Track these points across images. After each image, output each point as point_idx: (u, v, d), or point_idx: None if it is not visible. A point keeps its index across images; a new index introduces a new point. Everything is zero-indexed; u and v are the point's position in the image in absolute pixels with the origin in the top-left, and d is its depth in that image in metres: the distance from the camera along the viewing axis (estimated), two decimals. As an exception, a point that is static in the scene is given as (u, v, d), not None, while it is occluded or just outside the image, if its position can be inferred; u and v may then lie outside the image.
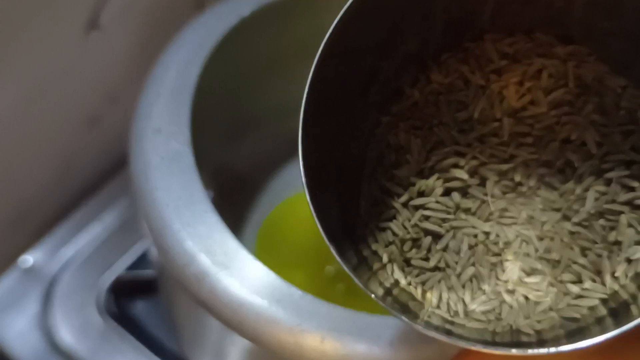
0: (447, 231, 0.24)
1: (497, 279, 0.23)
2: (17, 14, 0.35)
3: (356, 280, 0.21)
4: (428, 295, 0.23)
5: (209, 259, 0.27)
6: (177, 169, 0.29)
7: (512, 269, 0.23)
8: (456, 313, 0.22)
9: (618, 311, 0.21)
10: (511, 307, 0.22)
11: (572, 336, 0.21)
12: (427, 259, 0.23)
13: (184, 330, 0.37)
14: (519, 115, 0.24)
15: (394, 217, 0.24)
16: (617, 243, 0.22)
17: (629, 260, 0.22)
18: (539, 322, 0.22)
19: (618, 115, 0.23)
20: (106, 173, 0.48)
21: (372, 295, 0.21)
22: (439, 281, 0.23)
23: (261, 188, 0.44)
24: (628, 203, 0.23)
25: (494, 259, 0.23)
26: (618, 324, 0.20)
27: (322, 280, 0.41)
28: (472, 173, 0.24)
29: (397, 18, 0.24)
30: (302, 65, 0.42)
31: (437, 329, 0.21)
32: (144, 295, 0.43)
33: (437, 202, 0.24)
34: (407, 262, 0.24)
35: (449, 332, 0.21)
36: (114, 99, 0.46)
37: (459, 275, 0.23)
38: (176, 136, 0.30)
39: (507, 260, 0.23)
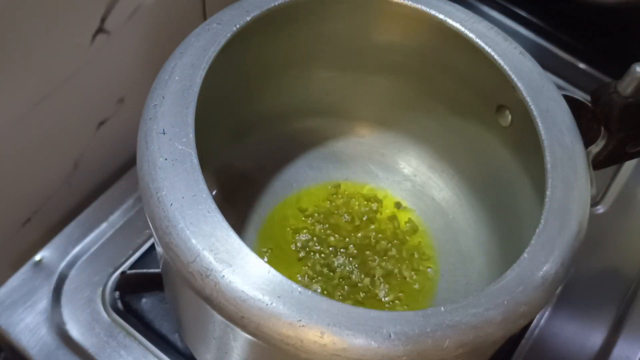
0: None
1: None
2: (29, 20, 0.35)
3: None
4: None
5: (213, 257, 0.27)
6: (181, 170, 0.29)
7: None
8: None
9: None
10: None
11: None
12: None
13: (187, 326, 0.37)
14: None
15: None
16: None
17: None
18: None
19: None
20: (113, 173, 0.49)
21: None
22: None
23: (262, 188, 0.45)
24: None
25: None
26: None
27: (321, 276, 0.42)
28: None
29: None
30: (301, 69, 0.43)
31: None
32: (149, 291, 0.44)
33: None
34: None
35: None
36: (121, 101, 0.46)
37: None
38: (180, 138, 0.30)
39: None
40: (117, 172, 0.49)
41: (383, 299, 0.41)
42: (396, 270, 0.42)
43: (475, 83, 0.39)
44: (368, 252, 0.43)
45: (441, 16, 0.37)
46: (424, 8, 0.37)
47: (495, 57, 0.36)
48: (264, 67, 0.41)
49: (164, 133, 0.30)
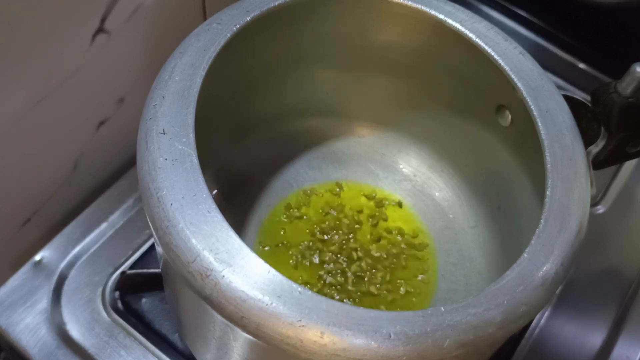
0: None
1: None
2: (29, 20, 0.35)
3: None
4: None
5: (213, 257, 0.27)
6: (181, 170, 0.29)
7: None
8: None
9: None
10: None
11: None
12: None
13: (187, 326, 0.37)
14: None
15: None
16: None
17: None
18: None
19: None
20: (113, 173, 0.49)
21: None
22: None
23: (262, 188, 0.45)
24: None
25: None
26: None
27: (321, 277, 0.42)
28: None
29: None
30: (301, 69, 0.43)
31: None
32: (149, 291, 0.44)
33: None
34: None
35: None
36: (121, 101, 0.46)
37: None
38: (180, 138, 0.30)
39: None
40: (117, 172, 0.49)
41: (382, 300, 0.41)
42: (396, 271, 0.42)
43: (475, 83, 0.39)
44: (367, 253, 0.43)
45: (441, 16, 0.37)
46: (424, 8, 0.37)
47: (495, 57, 0.36)
48: (264, 67, 0.41)
49: (164, 133, 0.30)
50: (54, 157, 0.44)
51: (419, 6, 0.37)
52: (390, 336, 0.26)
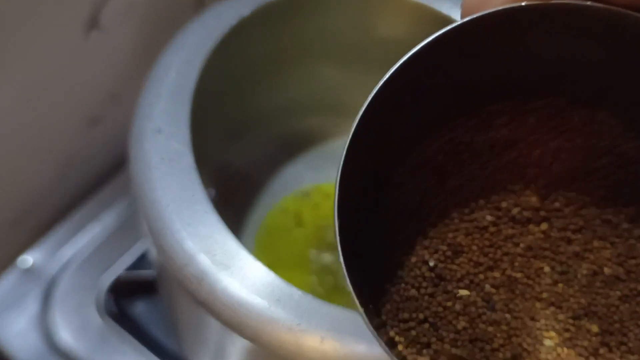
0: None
1: None
2: (18, 13, 0.35)
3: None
4: None
5: (209, 259, 0.27)
6: (177, 169, 0.29)
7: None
8: None
9: None
10: None
11: None
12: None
13: (183, 331, 0.37)
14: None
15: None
16: None
17: None
18: None
19: None
20: (106, 173, 0.49)
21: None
22: None
23: (260, 188, 0.44)
24: None
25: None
26: None
27: (320, 279, 0.41)
28: None
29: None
30: (301, 66, 0.43)
31: None
32: (143, 295, 0.43)
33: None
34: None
35: None
36: (114, 98, 0.46)
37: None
38: (176, 136, 0.30)
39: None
40: (111, 171, 0.49)
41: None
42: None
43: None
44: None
45: (445, 11, 0.37)
46: (427, 3, 0.37)
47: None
48: (262, 63, 0.40)
49: (159, 131, 0.30)
50: (45, 156, 0.44)
51: (421, 1, 0.37)
52: (393, 342, 0.26)
